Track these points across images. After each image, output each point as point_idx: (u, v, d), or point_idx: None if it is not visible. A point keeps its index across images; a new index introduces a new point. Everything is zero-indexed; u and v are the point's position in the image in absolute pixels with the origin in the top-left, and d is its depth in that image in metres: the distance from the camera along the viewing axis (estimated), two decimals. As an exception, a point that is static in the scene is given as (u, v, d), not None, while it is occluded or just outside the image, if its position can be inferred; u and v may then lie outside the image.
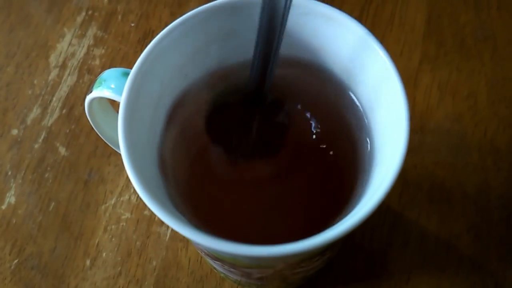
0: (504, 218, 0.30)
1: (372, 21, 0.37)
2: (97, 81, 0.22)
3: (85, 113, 0.24)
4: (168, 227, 0.31)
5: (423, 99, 0.34)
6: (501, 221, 0.30)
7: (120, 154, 0.19)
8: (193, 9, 0.42)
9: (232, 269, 0.23)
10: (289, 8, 0.19)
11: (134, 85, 0.20)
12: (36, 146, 0.34)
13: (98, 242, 0.31)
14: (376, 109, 0.22)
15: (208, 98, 0.25)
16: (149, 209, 0.18)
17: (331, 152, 0.24)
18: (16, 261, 0.31)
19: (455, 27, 0.37)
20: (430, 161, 0.32)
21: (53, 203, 0.32)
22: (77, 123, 0.35)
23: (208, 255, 0.22)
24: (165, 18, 0.39)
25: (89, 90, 0.23)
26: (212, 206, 0.23)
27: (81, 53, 0.38)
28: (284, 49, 0.21)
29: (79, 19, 0.39)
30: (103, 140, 0.27)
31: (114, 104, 0.24)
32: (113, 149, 0.27)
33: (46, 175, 0.33)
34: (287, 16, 0.19)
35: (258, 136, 0.24)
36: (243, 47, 0.23)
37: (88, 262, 0.31)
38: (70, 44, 0.38)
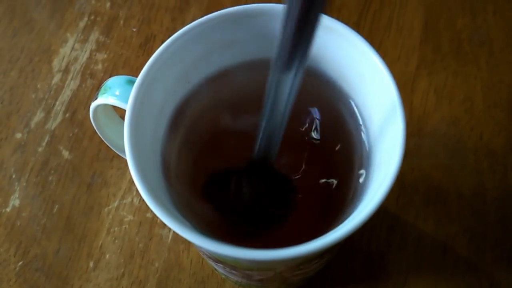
0: (499, 220, 0.31)
1: (370, 26, 0.38)
2: (102, 88, 0.23)
3: (88, 117, 0.25)
4: (170, 229, 0.32)
5: (420, 103, 0.34)
6: (497, 223, 0.31)
7: (122, 158, 0.19)
8: (194, 14, 0.42)
9: (233, 271, 0.23)
10: (293, 96, 0.18)
11: (139, 93, 0.21)
12: (40, 149, 0.35)
13: (101, 244, 0.32)
14: (373, 115, 0.22)
15: (209, 104, 0.25)
16: (151, 211, 0.19)
17: (330, 157, 0.25)
18: (20, 263, 0.31)
19: (452, 32, 0.37)
20: (427, 164, 0.32)
21: (56, 206, 0.33)
22: (80, 127, 0.35)
23: (209, 257, 0.23)
24: (167, 23, 0.39)
25: (94, 96, 0.23)
26: (214, 210, 0.24)
27: (83, 57, 0.38)
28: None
29: (82, 24, 0.39)
30: (105, 144, 0.27)
31: (117, 110, 0.25)
32: (115, 152, 0.28)
33: (50, 178, 0.34)
34: (291, 103, 0.18)
35: (260, 206, 0.24)
36: (243, 55, 0.24)
37: (91, 264, 0.31)
38: (72, 48, 0.38)
